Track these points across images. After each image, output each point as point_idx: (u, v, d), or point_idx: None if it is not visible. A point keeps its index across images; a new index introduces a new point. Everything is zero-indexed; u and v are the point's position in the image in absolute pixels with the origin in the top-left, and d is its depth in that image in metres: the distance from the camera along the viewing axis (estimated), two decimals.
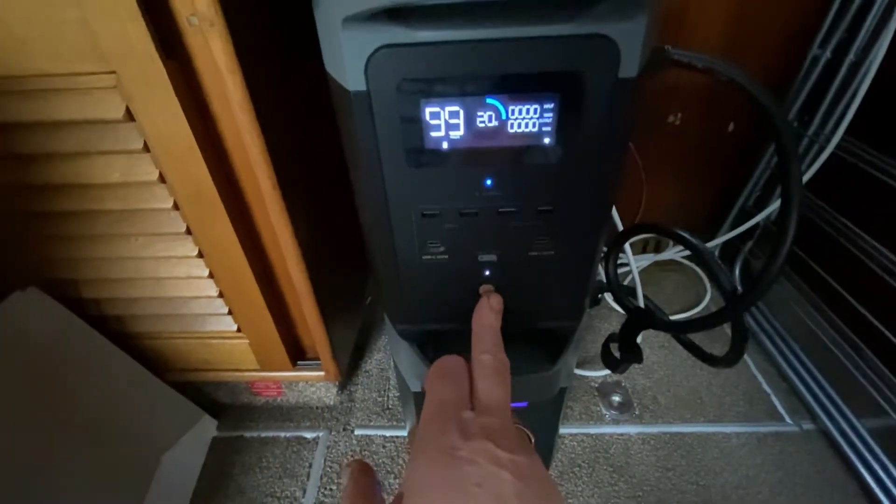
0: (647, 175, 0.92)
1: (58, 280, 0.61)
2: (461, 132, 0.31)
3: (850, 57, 0.73)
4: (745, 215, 0.96)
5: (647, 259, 1.08)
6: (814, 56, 0.78)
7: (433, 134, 0.31)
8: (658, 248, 1.11)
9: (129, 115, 0.45)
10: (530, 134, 0.31)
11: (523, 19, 0.27)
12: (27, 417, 0.57)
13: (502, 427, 0.25)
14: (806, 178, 0.80)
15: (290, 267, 0.59)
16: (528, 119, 0.31)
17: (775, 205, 0.88)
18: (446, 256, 0.39)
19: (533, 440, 0.32)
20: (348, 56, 0.28)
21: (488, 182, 0.34)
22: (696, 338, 0.48)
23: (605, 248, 0.53)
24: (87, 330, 0.64)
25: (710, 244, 1.01)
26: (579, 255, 0.40)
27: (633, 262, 0.79)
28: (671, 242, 1.10)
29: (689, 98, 0.86)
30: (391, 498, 0.25)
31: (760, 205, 0.94)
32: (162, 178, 0.50)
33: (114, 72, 0.43)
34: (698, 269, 1.10)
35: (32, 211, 0.54)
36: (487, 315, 0.34)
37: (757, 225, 0.94)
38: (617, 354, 0.57)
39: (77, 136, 0.47)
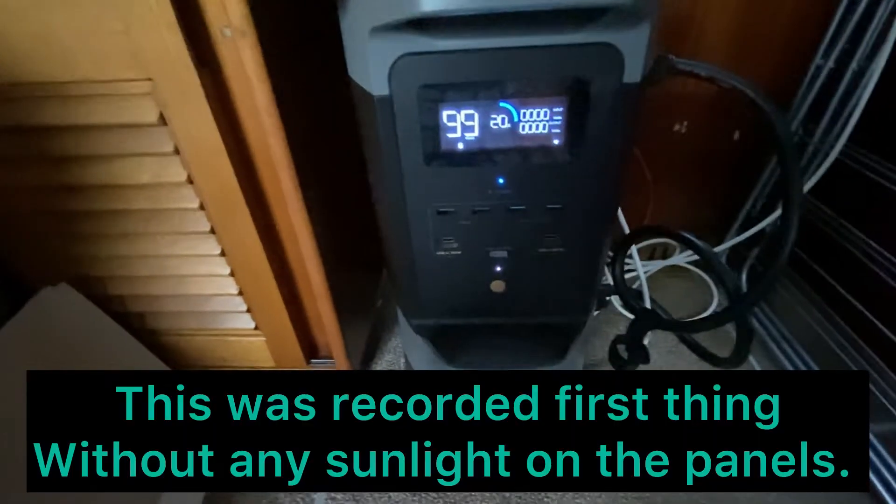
0: (654, 183, 0.94)
1: (87, 277, 0.64)
2: (476, 133, 0.34)
3: (853, 67, 0.75)
4: (751, 222, 0.97)
5: (655, 265, 1.09)
6: (817, 66, 0.80)
7: (449, 135, 0.34)
8: (665, 254, 1.12)
9: (163, 120, 0.48)
10: (540, 135, 0.34)
11: (534, 29, 0.29)
12: None
13: None
14: (811, 184, 0.81)
15: (308, 266, 0.61)
16: (538, 122, 0.33)
17: (781, 211, 0.89)
18: (459, 252, 0.41)
19: None
20: (373, 63, 0.31)
21: (500, 181, 0.36)
22: (704, 342, 0.50)
23: (612, 252, 0.55)
24: (113, 326, 0.67)
25: (716, 250, 1.02)
26: (586, 251, 0.42)
27: (640, 267, 0.80)
28: (678, 248, 1.11)
29: (695, 107, 0.88)
30: None
31: (766, 212, 0.95)
32: (190, 180, 0.53)
33: (150, 79, 0.46)
34: (705, 275, 1.11)
35: (66, 210, 0.57)
36: None
37: (763, 232, 0.95)
38: (624, 355, 0.58)
39: (112, 139, 0.50)
